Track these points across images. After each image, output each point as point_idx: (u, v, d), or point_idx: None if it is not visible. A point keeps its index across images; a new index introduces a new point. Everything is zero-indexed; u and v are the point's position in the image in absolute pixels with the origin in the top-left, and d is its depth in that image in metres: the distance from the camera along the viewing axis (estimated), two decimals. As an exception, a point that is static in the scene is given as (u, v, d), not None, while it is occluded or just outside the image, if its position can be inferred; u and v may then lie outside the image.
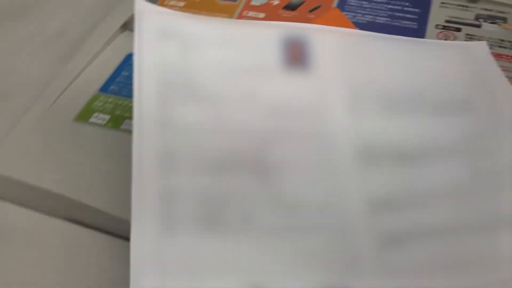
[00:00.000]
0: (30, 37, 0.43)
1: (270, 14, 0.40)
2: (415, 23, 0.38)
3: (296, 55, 0.29)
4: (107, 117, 0.33)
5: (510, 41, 0.36)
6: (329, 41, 0.30)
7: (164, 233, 0.23)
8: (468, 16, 0.38)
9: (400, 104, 0.29)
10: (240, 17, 0.40)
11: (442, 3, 0.40)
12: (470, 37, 0.37)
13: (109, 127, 0.32)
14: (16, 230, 0.29)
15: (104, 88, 0.35)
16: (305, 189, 0.26)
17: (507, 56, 0.35)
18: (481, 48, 0.33)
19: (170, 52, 0.28)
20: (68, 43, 0.42)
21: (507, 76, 0.34)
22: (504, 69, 0.34)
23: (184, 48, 0.28)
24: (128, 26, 0.41)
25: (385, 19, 0.39)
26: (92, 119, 0.33)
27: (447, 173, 0.27)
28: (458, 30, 0.37)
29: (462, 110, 0.29)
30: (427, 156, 0.27)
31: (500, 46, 0.36)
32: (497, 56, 0.35)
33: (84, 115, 0.33)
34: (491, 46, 0.36)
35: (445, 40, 0.37)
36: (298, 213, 0.25)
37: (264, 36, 0.30)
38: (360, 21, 0.39)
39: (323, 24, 0.33)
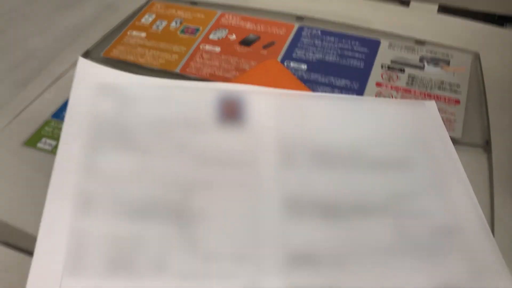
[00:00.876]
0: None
1: (226, 48, 0.42)
2: (362, 63, 0.40)
3: (230, 112, 0.31)
4: (54, 143, 0.34)
5: (449, 83, 0.38)
6: (265, 100, 0.32)
7: (68, 273, 0.24)
8: (414, 57, 0.40)
9: (334, 159, 0.30)
10: (197, 49, 0.42)
11: (390, 44, 0.41)
12: (412, 78, 0.38)
13: (55, 153, 0.34)
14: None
15: (57, 114, 0.37)
16: (223, 239, 0.26)
17: (445, 98, 0.37)
18: (430, 107, 0.34)
19: (106, 104, 0.30)
20: (32, 68, 0.43)
21: (445, 118, 0.35)
22: (441, 110, 0.36)
23: (120, 102, 0.30)
24: (90, 54, 0.43)
25: (334, 57, 0.40)
26: (39, 144, 0.34)
27: (370, 232, 0.27)
28: (402, 71, 0.39)
29: (398, 168, 0.30)
30: (354, 213, 0.28)
31: (439, 88, 0.38)
32: (436, 98, 0.37)
33: (33, 140, 0.34)
34: (431, 88, 0.38)
35: (388, 81, 0.38)
36: (212, 262, 0.25)
37: (201, 95, 0.31)
38: (311, 59, 0.40)
39: (259, 72, 0.35)
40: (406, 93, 0.37)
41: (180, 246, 0.25)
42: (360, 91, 0.37)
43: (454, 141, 0.34)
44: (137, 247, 0.25)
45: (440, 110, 0.35)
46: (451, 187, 0.29)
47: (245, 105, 0.31)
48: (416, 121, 0.33)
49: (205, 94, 0.32)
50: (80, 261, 0.24)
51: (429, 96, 0.37)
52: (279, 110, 0.31)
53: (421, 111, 0.33)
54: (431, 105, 0.34)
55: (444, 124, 0.35)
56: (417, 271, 0.26)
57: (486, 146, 0.34)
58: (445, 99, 0.37)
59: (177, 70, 0.40)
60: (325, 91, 0.37)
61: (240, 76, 0.36)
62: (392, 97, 0.37)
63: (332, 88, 0.38)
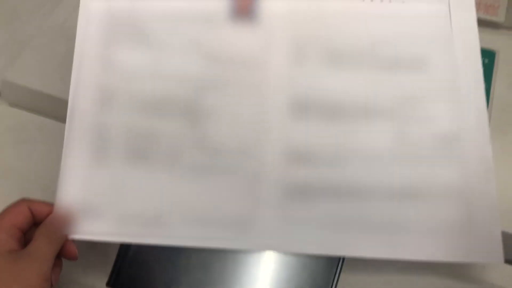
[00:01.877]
0: None
1: None
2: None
3: (243, 8, 0.30)
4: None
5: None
6: None
7: (94, 162, 0.27)
8: None
9: (347, 59, 0.29)
10: None
11: None
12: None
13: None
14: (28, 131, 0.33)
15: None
16: (231, 134, 0.28)
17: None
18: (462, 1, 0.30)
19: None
20: None
21: (488, 4, 0.36)
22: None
23: None
24: None
25: None
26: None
27: (374, 136, 0.28)
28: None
29: (413, 69, 0.29)
30: (359, 115, 0.28)
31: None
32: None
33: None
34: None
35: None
36: (219, 155, 0.27)
37: None
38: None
39: None
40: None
41: (190, 141, 0.28)
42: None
43: (497, 25, 0.35)
44: (153, 140, 0.27)
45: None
46: (463, 93, 0.28)
47: (260, 1, 0.30)
48: (444, 17, 0.30)
49: None
50: (103, 152, 0.27)
51: (473, -16, 0.38)
52: (294, 8, 0.30)
53: (454, 3, 0.31)
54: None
55: (488, 9, 0.36)
56: (409, 176, 0.27)
57: (529, 28, 0.35)
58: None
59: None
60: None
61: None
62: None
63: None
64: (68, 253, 0.25)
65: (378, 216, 0.26)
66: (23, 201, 0.25)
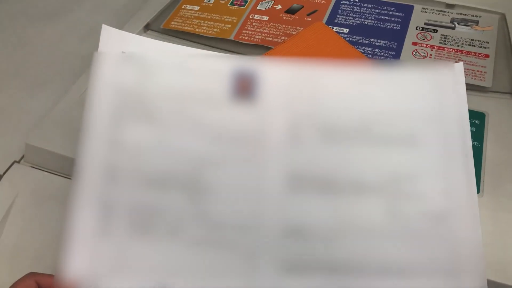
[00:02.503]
0: (67, 33, 0.50)
1: (273, 17, 0.47)
2: (398, 25, 0.44)
3: (244, 87, 0.32)
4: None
5: (479, 41, 0.42)
6: (278, 75, 0.32)
7: (99, 234, 0.28)
8: (445, 19, 0.44)
9: (341, 135, 0.31)
10: (247, 19, 0.47)
11: (423, 8, 0.45)
12: (445, 37, 0.43)
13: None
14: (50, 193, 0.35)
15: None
16: (231, 210, 0.29)
17: (475, 53, 0.41)
18: (455, 72, 0.32)
19: (128, 75, 0.32)
20: (96, 42, 0.48)
21: (476, 70, 0.39)
22: (472, 63, 0.40)
23: (142, 72, 0.32)
24: (150, 26, 0.48)
25: (372, 21, 0.45)
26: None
27: (366, 212, 0.29)
28: (435, 31, 0.43)
29: (404, 145, 0.30)
30: (352, 190, 0.29)
31: (470, 45, 0.42)
32: (467, 53, 0.41)
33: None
34: (462, 45, 0.42)
35: (423, 40, 0.42)
36: (219, 229, 0.29)
37: (218, 68, 0.32)
38: (351, 23, 0.45)
39: (308, 34, 0.39)
40: (439, 50, 0.41)
41: (191, 214, 0.29)
42: (398, 49, 0.42)
43: (486, 89, 0.38)
44: (156, 214, 0.29)
45: (471, 64, 0.40)
46: (453, 169, 0.29)
47: (258, 79, 0.32)
48: (434, 93, 0.31)
49: (222, 66, 0.33)
50: (108, 225, 0.28)
51: (461, 52, 0.41)
52: (291, 84, 0.32)
53: (444, 79, 0.32)
54: (458, 69, 0.32)
55: (475, 75, 0.39)
56: (401, 253, 0.28)
57: (515, 92, 0.38)
58: (475, 54, 0.41)
59: (231, 37, 0.45)
60: (367, 51, 0.42)
61: (290, 39, 0.41)
62: (427, 54, 0.41)
63: (373, 48, 0.42)
64: None
65: None
66: (31, 275, 0.26)
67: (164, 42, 0.36)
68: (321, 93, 0.32)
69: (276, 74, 0.33)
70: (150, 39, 0.35)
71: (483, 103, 0.38)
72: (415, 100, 0.31)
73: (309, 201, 0.29)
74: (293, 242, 0.28)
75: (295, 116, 0.31)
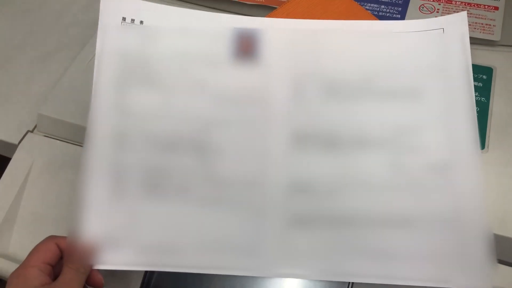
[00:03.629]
0: (70, 1, 0.49)
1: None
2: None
3: (246, 48, 0.32)
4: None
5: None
6: (281, 35, 0.32)
7: (112, 197, 0.29)
8: (454, -29, 0.43)
9: (345, 92, 0.31)
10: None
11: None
12: (453, -10, 0.41)
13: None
14: (64, 161, 0.36)
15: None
16: (236, 169, 0.30)
17: (484, 5, 0.40)
18: (454, 23, 0.31)
19: (130, 41, 0.32)
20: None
21: (484, 23, 0.38)
22: (480, 16, 0.39)
23: (144, 37, 0.32)
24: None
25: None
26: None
27: (370, 166, 0.29)
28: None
29: (408, 99, 0.30)
30: (355, 146, 0.29)
31: (479, -3, 0.41)
32: (475, 6, 0.40)
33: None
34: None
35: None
36: (226, 189, 0.29)
37: (219, 28, 0.33)
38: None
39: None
40: (447, 3, 0.40)
41: (199, 174, 0.30)
42: (404, 5, 0.41)
43: (494, 43, 0.37)
44: (165, 175, 0.30)
45: (480, 16, 0.39)
46: (455, 122, 0.29)
47: (260, 40, 0.32)
48: (437, 45, 0.31)
49: (224, 27, 0.33)
50: (121, 188, 0.29)
51: (469, 5, 0.40)
52: (293, 45, 0.32)
53: (446, 31, 0.32)
54: (461, 19, 0.31)
55: (484, 28, 0.38)
56: (403, 204, 0.28)
57: (524, 46, 0.37)
58: (484, 6, 0.40)
59: (233, -2, 0.44)
60: (372, 7, 0.41)
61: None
62: (434, 8, 0.40)
63: (379, 4, 0.41)
64: (94, 282, 0.28)
65: (375, 243, 0.28)
66: (50, 238, 0.28)
67: (165, 6, 0.34)
68: (324, 51, 0.32)
69: (279, 35, 0.33)
70: (150, 2, 0.35)
71: (491, 58, 0.37)
72: (418, 54, 0.31)
73: (313, 157, 0.30)
74: (299, 197, 0.29)
75: (298, 75, 0.31)
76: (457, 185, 0.28)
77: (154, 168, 0.30)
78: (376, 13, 0.41)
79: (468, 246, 0.27)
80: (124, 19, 0.33)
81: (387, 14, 0.40)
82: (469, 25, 0.33)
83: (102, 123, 0.30)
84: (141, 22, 0.33)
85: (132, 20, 0.33)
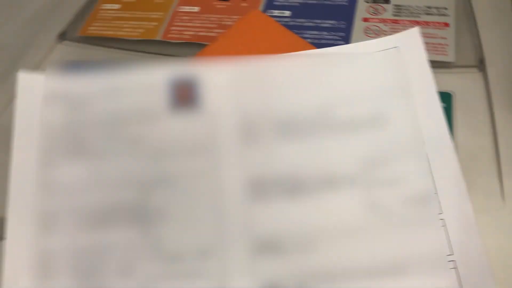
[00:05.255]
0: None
1: (205, 7, 0.41)
2: (345, 0, 0.39)
3: (184, 96, 0.28)
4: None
5: (436, 7, 0.37)
6: (219, 76, 0.29)
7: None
8: (397, -14, 0.39)
9: (300, 127, 0.27)
10: (176, 13, 0.41)
11: (371, -24, 0.40)
12: (398, 8, 0.38)
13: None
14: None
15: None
16: (187, 236, 0.25)
17: (434, 22, 0.36)
18: (412, 38, 0.29)
19: (55, 113, 0.28)
20: (8, 57, 0.42)
21: (436, 43, 0.35)
22: (431, 35, 0.35)
23: (70, 107, 0.28)
24: (66, 35, 0.41)
25: (316, -1, 0.39)
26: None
27: (342, 208, 0.26)
28: (387, 1, 0.38)
29: (371, 127, 0.27)
30: (322, 186, 0.26)
31: (427, 14, 0.37)
32: (424, 24, 0.36)
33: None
34: (418, 15, 0.37)
35: (375, 14, 0.37)
36: (178, 260, 0.25)
37: (151, 80, 0.29)
38: (293, 4, 0.39)
39: (244, 27, 0.34)
40: (394, 23, 0.37)
41: (144, 249, 0.25)
42: (347, 30, 0.37)
43: (449, 64, 0.34)
44: (103, 255, 0.25)
45: (430, 36, 0.35)
46: (429, 146, 0.27)
47: (198, 85, 0.29)
48: (393, 65, 0.28)
49: (155, 78, 0.29)
50: (47, 278, 0.25)
51: (417, 23, 0.36)
52: (236, 85, 0.29)
53: (401, 48, 0.29)
54: (413, 34, 0.29)
55: (436, 49, 0.34)
56: (389, 249, 0.24)
57: (481, 65, 0.34)
58: (434, 24, 0.36)
59: (159, 37, 0.39)
60: (313, 35, 0.37)
61: (225, 34, 0.35)
62: (380, 30, 0.36)
63: (320, 31, 0.37)
64: None
65: None
66: None
67: (89, 77, 0.30)
68: (271, 87, 0.28)
69: (219, 75, 0.29)
70: (74, 75, 0.30)
71: (448, 82, 0.33)
72: (375, 77, 0.28)
73: (276, 207, 0.26)
74: (266, 258, 0.25)
75: (247, 117, 0.28)
76: (445, 216, 0.25)
77: (88, 250, 0.25)
78: (317, 41, 0.36)
79: (469, 283, 0.24)
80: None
81: (330, 42, 0.36)
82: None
83: (23, 206, 0.26)
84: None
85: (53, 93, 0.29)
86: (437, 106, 0.27)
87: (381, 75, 0.28)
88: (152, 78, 0.30)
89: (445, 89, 0.33)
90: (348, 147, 0.27)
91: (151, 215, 0.26)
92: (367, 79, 0.28)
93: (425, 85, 0.28)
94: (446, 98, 0.32)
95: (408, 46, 0.29)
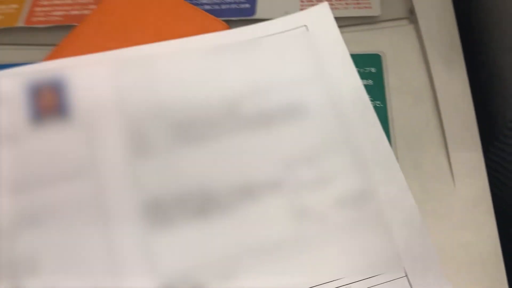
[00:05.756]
0: None
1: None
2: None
3: (48, 104, 0.23)
4: None
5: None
6: (94, 72, 0.23)
7: None
8: None
9: (203, 130, 0.22)
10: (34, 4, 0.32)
11: None
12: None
13: None
14: None
15: None
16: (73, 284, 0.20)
17: None
18: (318, 19, 0.25)
19: None
20: None
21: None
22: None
23: None
24: None
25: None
26: None
27: (264, 221, 0.21)
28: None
29: (289, 120, 0.22)
30: (238, 198, 0.21)
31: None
32: None
33: None
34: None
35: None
36: None
37: (3, 88, 0.23)
38: None
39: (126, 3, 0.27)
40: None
41: None
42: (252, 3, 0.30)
43: (375, 19, 0.28)
44: None
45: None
46: (356, 133, 0.22)
47: (66, 85, 0.23)
48: (303, 48, 0.24)
49: (9, 86, 0.23)
50: None
51: (333, -26, 0.30)
52: (116, 79, 0.23)
53: (311, 27, 0.25)
54: (323, 10, 0.25)
55: (359, 3, 0.29)
56: (328, 257, 0.20)
57: (411, 15, 0.29)
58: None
59: (20, 23, 0.31)
60: (213, 4, 0.30)
61: (96, 10, 0.28)
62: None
63: (220, 6, 0.30)
64: None
65: None
66: None
67: None
68: (162, 83, 0.23)
69: (91, 71, 0.23)
70: None
71: (376, 41, 0.28)
72: (285, 61, 0.24)
73: (183, 235, 0.20)
74: None
75: (132, 121, 0.22)
76: (385, 215, 0.21)
77: None
78: (217, 6, 0.30)
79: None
80: None
81: (232, 6, 0.29)
82: (339, 1, 0.28)
83: None
84: None
85: None
86: (359, 88, 0.23)
87: (291, 59, 0.24)
88: (5, 84, 0.23)
89: (373, 50, 0.27)
90: (263, 146, 0.22)
91: (22, 268, 0.20)
92: (275, 65, 0.24)
93: (341, 64, 0.24)
94: (375, 60, 0.27)
95: (318, 23, 0.25)
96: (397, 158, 0.25)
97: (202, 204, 0.21)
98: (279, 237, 0.21)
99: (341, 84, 0.24)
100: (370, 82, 0.26)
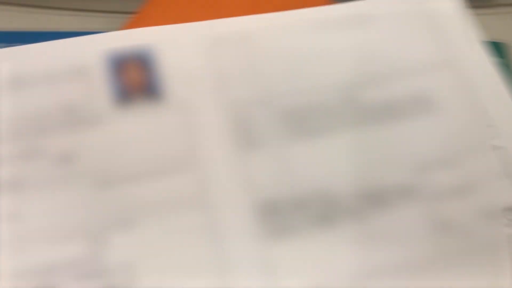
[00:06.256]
0: None
1: None
2: None
3: (137, 80, 0.19)
4: None
5: None
6: (188, 46, 0.20)
7: None
8: None
9: (316, 118, 0.19)
10: None
11: None
12: None
13: None
14: None
15: None
16: None
17: None
18: None
19: None
20: None
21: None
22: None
23: None
24: None
25: None
26: None
27: (398, 226, 0.18)
28: None
29: (415, 115, 0.20)
30: (368, 208, 0.18)
31: None
32: None
33: None
34: None
35: None
36: None
37: (85, 60, 0.19)
38: None
39: None
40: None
41: None
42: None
43: (492, 2, 0.25)
44: None
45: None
46: (501, 133, 0.20)
47: (156, 63, 0.20)
48: (425, 27, 0.22)
49: (91, 57, 0.20)
50: None
51: None
52: (213, 55, 0.20)
53: (433, 3, 0.22)
54: None
55: None
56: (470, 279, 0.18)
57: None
58: None
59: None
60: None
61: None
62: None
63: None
64: None
65: None
66: None
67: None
68: (261, 59, 0.20)
69: (182, 43, 0.20)
70: None
71: (496, 28, 0.24)
72: (403, 43, 0.21)
73: (305, 247, 0.18)
74: None
75: (236, 108, 0.19)
76: None
77: None
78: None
79: None
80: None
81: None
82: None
83: None
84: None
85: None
86: (496, 79, 0.21)
87: (411, 41, 0.21)
88: (87, 54, 0.19)
89: (497, 37, 0.24)
90: (391, 143, 0.19)
91: (111, 273, 0.17)
92: (394, 47, 0.21)
93: (472, 50, 0.21)
94: (499, 50, 0.24)
95: (442, 1, 0.22)
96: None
97: (324, 210, 0.18)
98: (417, 253, 0.18)
99: (475, 74, 0.21)
100: (496, 74, 0.23)
